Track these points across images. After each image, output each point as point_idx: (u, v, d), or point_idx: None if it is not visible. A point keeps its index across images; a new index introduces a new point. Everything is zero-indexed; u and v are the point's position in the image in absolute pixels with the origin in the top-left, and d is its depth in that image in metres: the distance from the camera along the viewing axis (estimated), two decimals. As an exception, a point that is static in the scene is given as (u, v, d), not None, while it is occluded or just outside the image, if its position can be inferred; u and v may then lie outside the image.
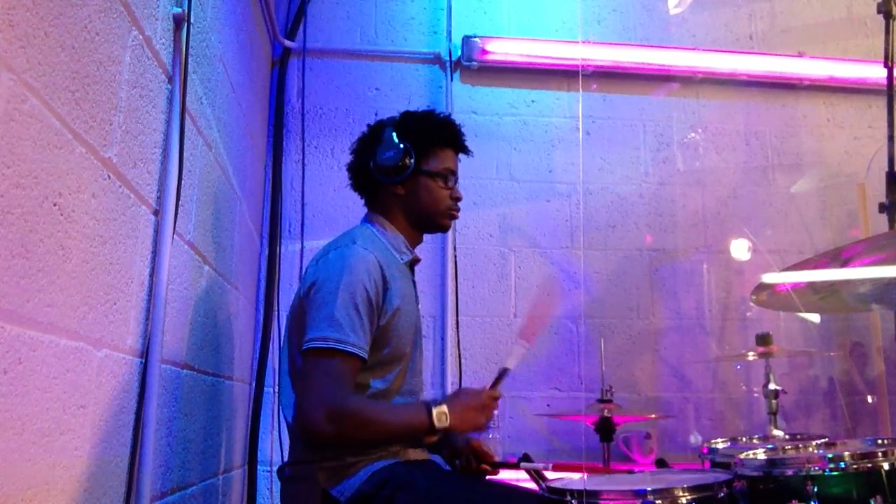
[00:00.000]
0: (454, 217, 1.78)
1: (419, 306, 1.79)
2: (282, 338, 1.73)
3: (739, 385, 2.89)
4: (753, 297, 2.00)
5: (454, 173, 1.76)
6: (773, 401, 2.13)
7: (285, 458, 1.69)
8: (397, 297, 1.59)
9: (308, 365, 1.49)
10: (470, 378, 2.74)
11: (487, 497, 1.57)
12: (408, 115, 1.76)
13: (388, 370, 1.59)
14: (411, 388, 1.67)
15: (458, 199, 1.76)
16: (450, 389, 2.71)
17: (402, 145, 1.67)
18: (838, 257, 1.62)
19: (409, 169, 1.67)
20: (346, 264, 1.55)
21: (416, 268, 1.80)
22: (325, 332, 1.48)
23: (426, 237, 1.84)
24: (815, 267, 1.67)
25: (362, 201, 1.82)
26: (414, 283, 1.77)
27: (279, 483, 1.67)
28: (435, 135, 1.74)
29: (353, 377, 1.51)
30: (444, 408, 1.52)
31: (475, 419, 1.57)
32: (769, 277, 1.81)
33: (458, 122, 1.79)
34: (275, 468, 2.55)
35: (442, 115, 1.79)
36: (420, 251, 1.79)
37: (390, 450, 1.58)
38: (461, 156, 1.80)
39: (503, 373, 1.69)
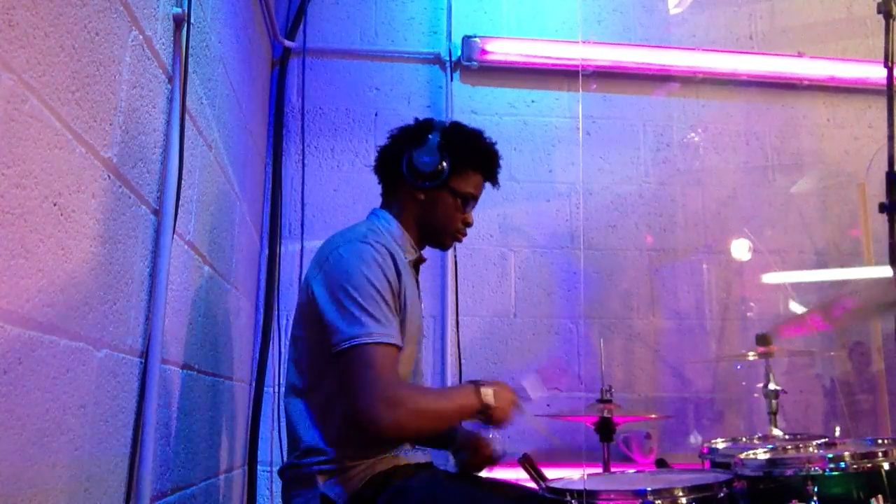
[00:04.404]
0: (458, 241, 1.77)
1: (422, 306, 1.79)
2: (289, 336, 1.71)
3: (739, 385, 2.89)
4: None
5: (475, 200, 1.75)
6: (773, 401, 2.13)
7: (285, 459, 1.69)
8: (407, 293, 1.59)
9: (351, 363, 1.46)
10: (470, 378, 2.74)
11: (486, 501, 1.56)
12: (458, 128, 1.73)
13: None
14: None
15: (469, 224, 1.75)
16: (450, 389, 2.71)
17: (441, 155, 1.65)
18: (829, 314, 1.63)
19: (439, 180, 1.66)
20: (363, 258, 1.53)
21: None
22: (362, 328, 1.45)
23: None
24: (807, 323, 1.68)
25: (363, 198, 1.81)
26: (418, 282, 1.76)
27: (280, 483, 1.67)
28: (476, 158, 1.72)
29: (396, 366, 1.49)
30: (490, 388, 1.54)
31: (510, 412, 1.58)
32: (769, 278, 1.81)
33: (498, 152, 1.77)
34: (275, 468, 2.55)
35: (488, 141, 1.76)
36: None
37: (390, 452, 1.57)
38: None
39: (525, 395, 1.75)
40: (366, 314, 1.46)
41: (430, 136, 1.67)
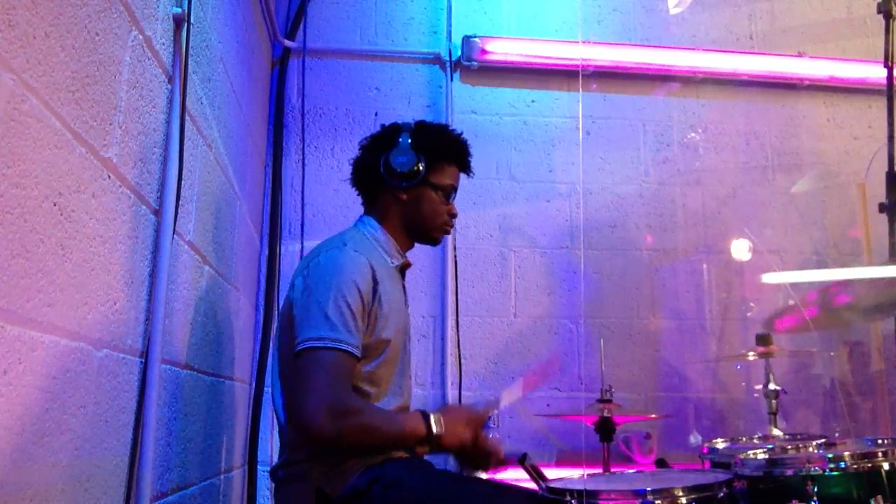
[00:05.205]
0: (447, 233, 1.81)
1: (409, 310, 1.80)
2: (272, 341, 1.74)
3: (739, 385, 2.89)
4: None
5: (455, 190, 1.79)
6: (773, 401, 2.13)
7: (276, 459, 1.70)
8: (386, 301, 1.60)
9: (305, 364, 1.48)
10: (470, 378, 2.74)
11: (478, 495, 1.57)
12: (424, 125, 1.78)
13: (378, 374, 1.60)
14: (401, 391, 1.68)
15: (454, 215, 1.80)
16: (450, 390, 2.71)
17: (416, 153, 1.70)
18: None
19: (419, 178, 1.69)
20: (336, 266, 1.56)
21: (415, 268, 1.81)
22: (321, 332, 1.48)
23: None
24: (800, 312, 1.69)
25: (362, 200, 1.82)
26: (404, 287, 1.78)
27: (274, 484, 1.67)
28: (448, 150, 1.77)
29: (351, 377, 1.51)
30: (439, 415, 1.55)
31: (463, 434, 1.58)
32: (769, 278, 1.81)
33: (466, 141, 1.82)
34: (275, 468, 2.55)
35: (455, 132, 1.82)
36: (421, 251, 1.80)
37: None
38: None
39: (495, 403, 1.74)
40: (328, 320, 1.49)
41: (400, 139, 1.72)
